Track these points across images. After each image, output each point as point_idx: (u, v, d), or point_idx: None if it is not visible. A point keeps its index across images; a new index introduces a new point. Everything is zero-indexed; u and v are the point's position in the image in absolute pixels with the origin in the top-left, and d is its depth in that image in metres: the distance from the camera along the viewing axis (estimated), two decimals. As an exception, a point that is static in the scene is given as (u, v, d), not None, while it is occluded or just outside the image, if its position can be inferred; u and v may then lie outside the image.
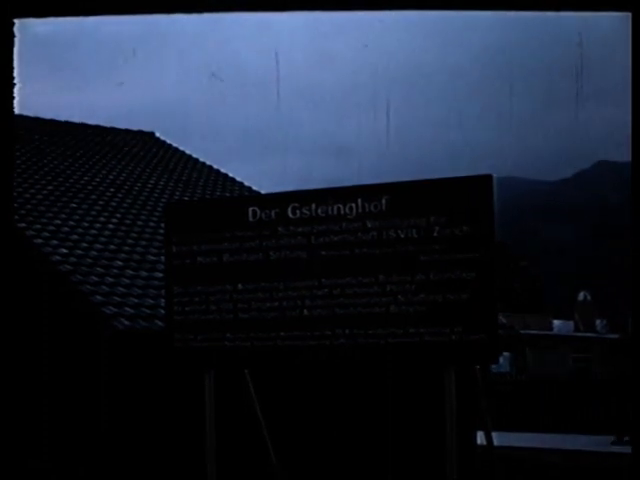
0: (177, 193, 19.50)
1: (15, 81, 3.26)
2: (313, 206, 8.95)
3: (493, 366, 24.74)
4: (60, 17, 3.32)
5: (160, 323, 12.66)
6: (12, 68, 3.24)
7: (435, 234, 8.48)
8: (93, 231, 15.83)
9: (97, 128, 23.08)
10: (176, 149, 23.19)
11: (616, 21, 3.31)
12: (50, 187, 17.42)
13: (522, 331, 29.60)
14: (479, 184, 8.50)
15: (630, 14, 3.19)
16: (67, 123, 22.81)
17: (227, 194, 20.12)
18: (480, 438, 16.18)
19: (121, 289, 13.80)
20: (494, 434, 12.20)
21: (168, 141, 23.74)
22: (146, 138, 23.50)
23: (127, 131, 23.63)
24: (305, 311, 8.88)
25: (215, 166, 22.22)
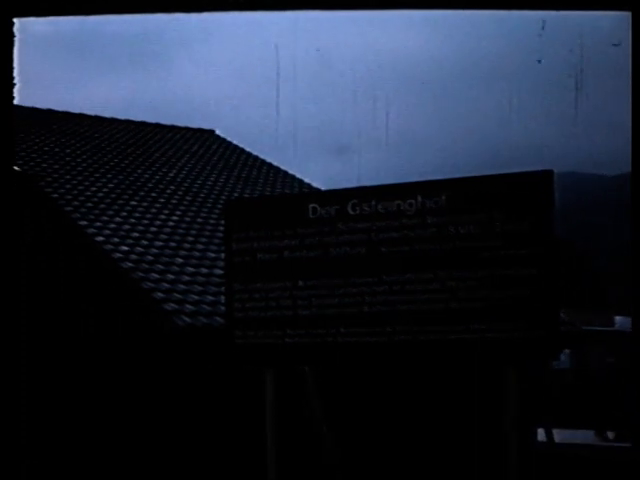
0: (237, 190, 19.59)
1: (15, 81, 3.28)
2: (373, 202, 8.92)
3: (554, 362, 24.52)
4: (60, 17, 3.34)
5: (220, 320, 12.71)
6: (12, 68, 3.26)
7: (496, 230, 8.41)
8: (153, 228, 15.95)
9: (157, 126, 23.28)
10: (236, 147, 23.32)
11: (616, 21, 3.27)
12: (111, 185, 17.58)
13: (584, 327, 29.30)
14: (540, 179, 8.43)
15: (630, 14, 3.16)
16: (126, 121, 23.04)
17: (287, 191, 20.16)
18: (540, 435, 16.07)
19: (181, 286, 13.88)
20: (555, 431, 12.13)
21: (228, 139, 23.91)
22: (206, 136, 23.66)
23: (187, 129, 23.82)
24: (365, 307, 8.85)
25: (275, 163, 22.32)
